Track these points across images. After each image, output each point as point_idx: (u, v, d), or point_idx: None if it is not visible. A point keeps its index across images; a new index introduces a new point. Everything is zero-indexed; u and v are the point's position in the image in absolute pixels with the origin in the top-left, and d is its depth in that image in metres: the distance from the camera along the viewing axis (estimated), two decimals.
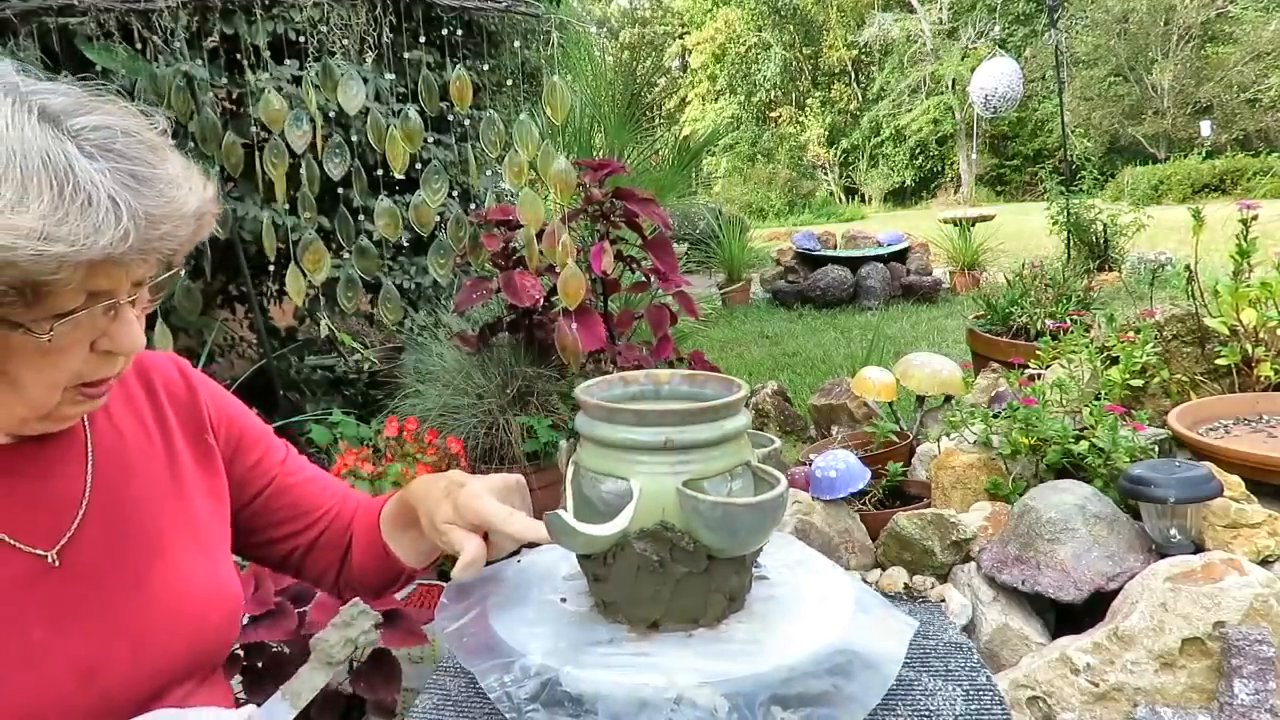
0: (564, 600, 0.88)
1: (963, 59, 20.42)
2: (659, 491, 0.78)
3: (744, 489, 0.83)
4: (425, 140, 2.74)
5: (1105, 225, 7.14)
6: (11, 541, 0.73)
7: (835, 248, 8.60)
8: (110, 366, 0.73)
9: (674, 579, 0.80)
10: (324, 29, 2.71)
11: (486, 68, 3.39)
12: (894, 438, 2.44)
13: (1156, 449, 1.84)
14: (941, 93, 21.63)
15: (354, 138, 2.71)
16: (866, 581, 1.67)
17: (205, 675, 0.85)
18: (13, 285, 0.61)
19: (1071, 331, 2.53)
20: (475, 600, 0.88)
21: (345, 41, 2.72)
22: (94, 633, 0.75)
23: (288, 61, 2.93)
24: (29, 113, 0.62)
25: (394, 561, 0.97)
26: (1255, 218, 2.27)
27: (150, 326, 0.73)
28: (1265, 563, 1.50)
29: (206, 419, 0.91)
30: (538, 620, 0.84)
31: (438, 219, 2.72)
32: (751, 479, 0.84)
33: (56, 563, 0.75)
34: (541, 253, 2.55)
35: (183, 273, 2.46)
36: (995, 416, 2.05)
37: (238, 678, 1.46)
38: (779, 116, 24.55)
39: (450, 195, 2.93)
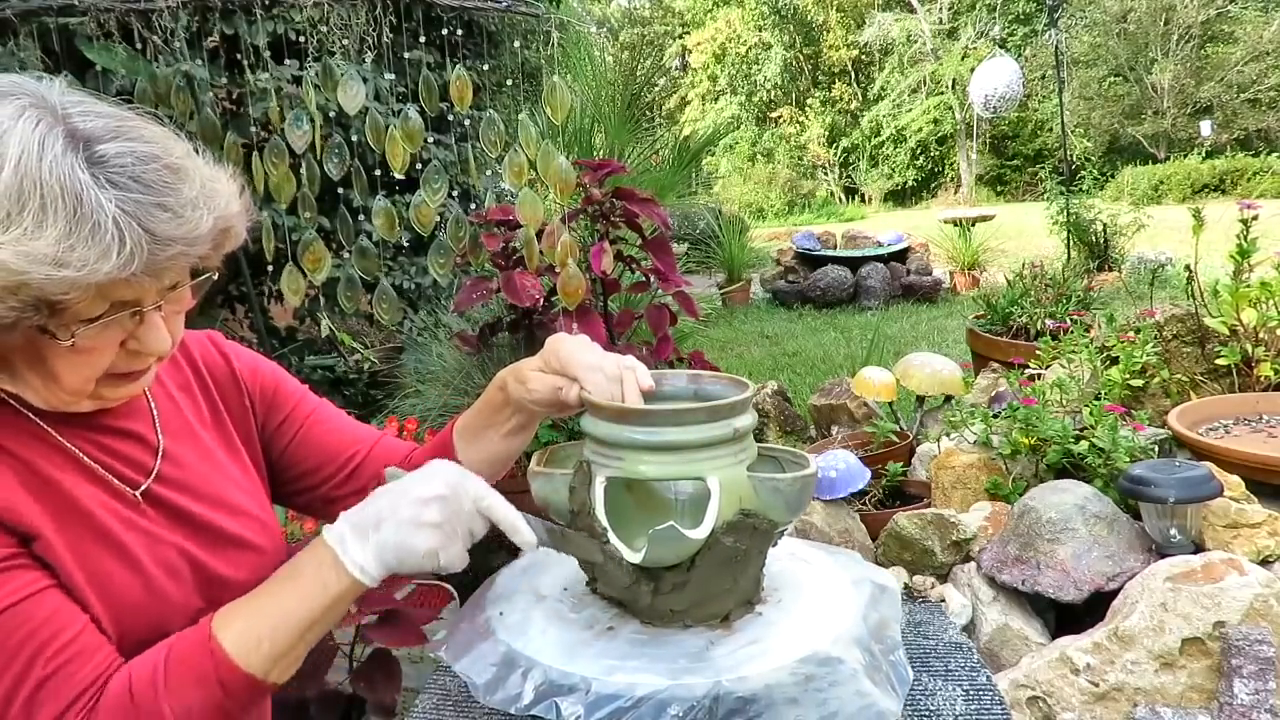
0: (611, 628, 0.84)
1: (963, 59, 20.38)
2: (734, 482, 0.79)
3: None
4: (425, 140, 2.74)
5: (1105, 225, 7.14)
6: (110, 477, 0.83)
7: (835, 248, 8.60)
8: (143, 360, 0.80)
9: (747, 564, 0.82)
10: (324, 29, 2.71)
11: (486, 68, 3.39)
12: (894, 438, 2.43)
13: (1156, 449, 1.84)
14: (941, 93, 21.60)
15: (354, 138, 2.71)
16: None
17: None
18: (28, 303, 0.67)
19: (1071, 331, 2.53)
20: (522, 666, 0.80)
21: (345, 41, 2.72)
22: (172, 563, 0.85)
23: (288, 61, 2.93)
24: (56, 138, 0.68)
25: None
26: (1255, 218, 2.27)
27: None
28: (1265, 563, 1.50)
29: (242, 385, 1.01)
30: (618, 653, 0.80)
31: (438, 219, 2.71)
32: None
33: (141, 501, 0.85)
34: (541, 253, 2.54)
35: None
36: (995, 416, 2.05)
37: None
38: (779, 116, 24.53)
39: (450, 195, 2.93)
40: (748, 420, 0.82)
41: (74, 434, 0.82)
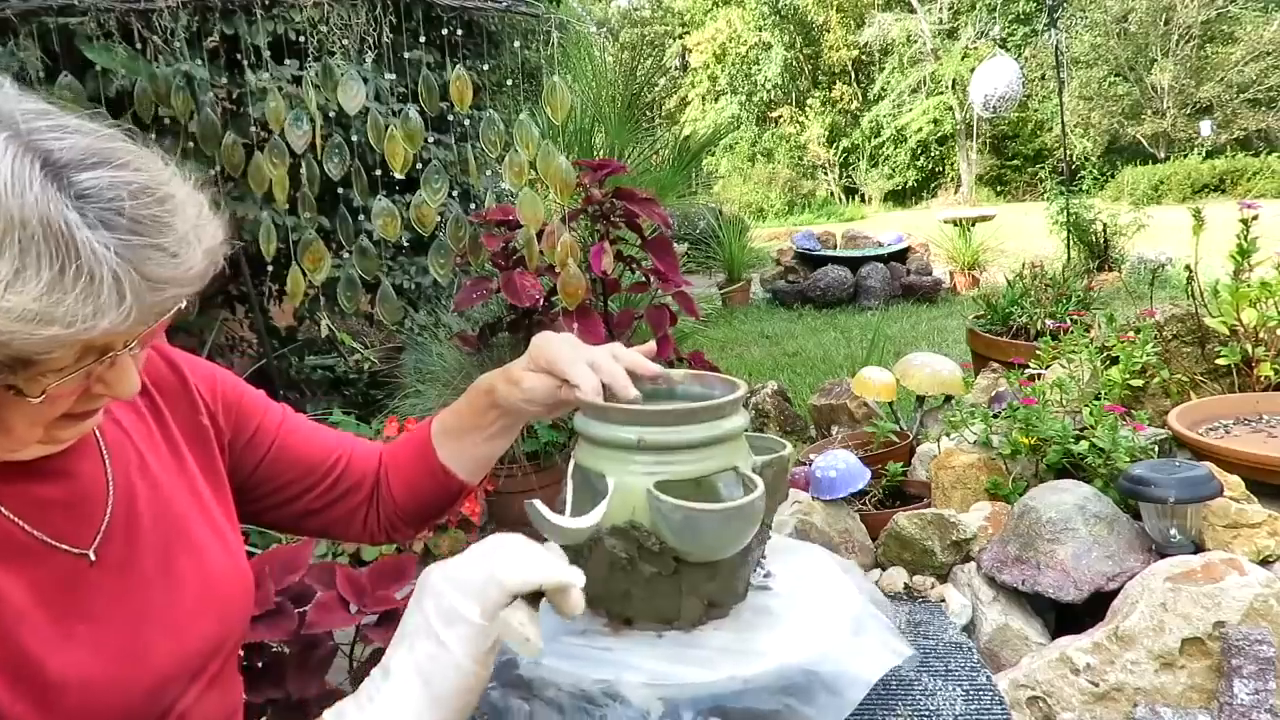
0: None
1: (963, 59, 20.37)
2: (631, 491, 0.78)
3: (737, 495, 0.81)
4: (425, 140, 2.74)
5: (1105, 225, 7.15)
6: (53, 542, 0.73)
7: (835, 248, 8.61)
8: (101, 400, 0.70)
9: (643, 578, 0.79)
10: (324, 29, 2.71)
11: (486, 68, 3.39)
12: (894, 438, 2.43)
13: (1156, 449, 1.84)
14: (941, 93, 21.59)
15: (354, 138, 2.71)
16: None
17: (233, 648, 0.88)
18: (3, 362, 0.58)
19: (1071, 331, 2.53)
20: None
21: (345, 41, 2.73)
22: (133, 622, 0.76)
23: (288, 61, 2.93)
24: (32, 165, 0.56)
25: (449, 480, 1.00)
26: (1255, 218, 2.27)
27: None
28: (1265, 563, 1.50)
29: (199, 401, 0.90)
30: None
31: (438, 219, 2.72)
32: (741, 484, 0.82)
33: (95, 558, 0.76)
34: (541, 253, 2.55)
35: None
36: (995, 416, 2.05)
37: None
38: (779, 116, 24.53)
39: (450, 195, 2.93)
40: (665, 437, 0.78)
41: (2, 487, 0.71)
